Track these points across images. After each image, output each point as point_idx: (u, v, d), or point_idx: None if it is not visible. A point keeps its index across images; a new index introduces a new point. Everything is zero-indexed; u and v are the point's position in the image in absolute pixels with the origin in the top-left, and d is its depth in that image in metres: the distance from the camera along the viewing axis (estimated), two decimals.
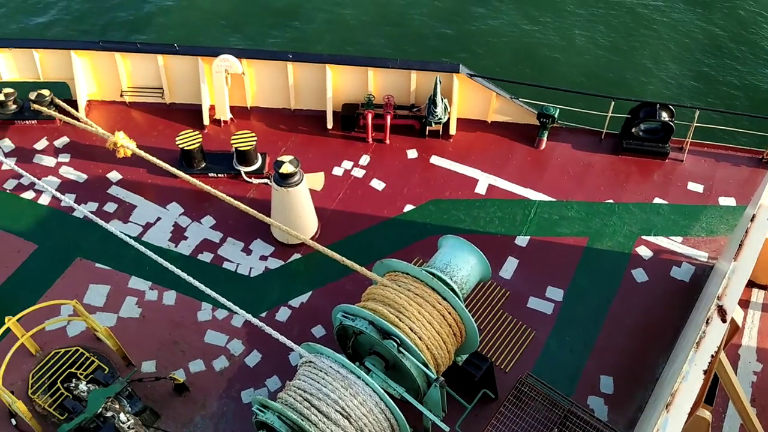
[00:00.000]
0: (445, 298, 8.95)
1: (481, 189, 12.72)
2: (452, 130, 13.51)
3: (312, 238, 11.42)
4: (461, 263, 9.54)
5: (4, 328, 9.26)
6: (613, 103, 12.99)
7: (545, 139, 13.32)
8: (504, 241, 11.94)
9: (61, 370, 9.87)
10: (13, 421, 9.62)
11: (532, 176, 12.96)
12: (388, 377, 8.63)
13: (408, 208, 12.38)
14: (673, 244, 12.04)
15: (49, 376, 9.84)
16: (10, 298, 10.95)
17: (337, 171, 12.94)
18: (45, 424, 9.41)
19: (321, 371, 8.18)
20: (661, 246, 12.00)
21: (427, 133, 13.40)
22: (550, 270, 11.56)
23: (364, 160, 13.12)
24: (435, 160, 13.17)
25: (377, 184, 12.74)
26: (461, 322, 9.05)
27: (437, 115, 12.93)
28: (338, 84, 13.39)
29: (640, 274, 11.58)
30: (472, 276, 9.62)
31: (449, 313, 8.92)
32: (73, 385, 9.33)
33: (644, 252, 11.88)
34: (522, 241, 11.97)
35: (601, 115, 13.20)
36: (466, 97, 13.42)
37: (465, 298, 9.69)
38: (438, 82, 12.63)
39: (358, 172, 12.93)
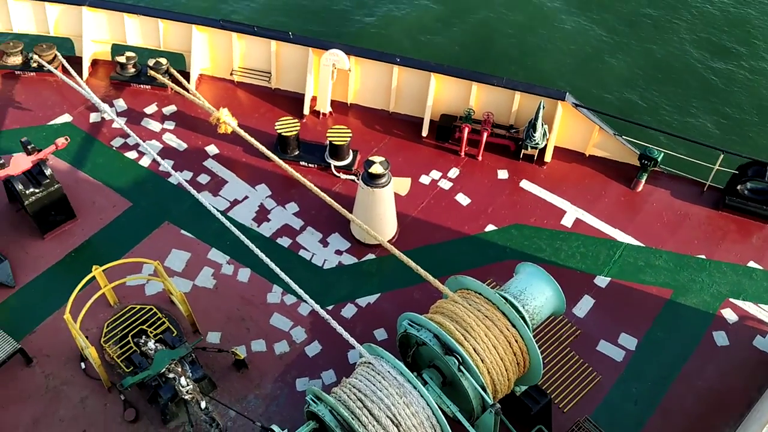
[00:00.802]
0: (514, 325, 8.77)
1: (567, 221, 12.40)
2: (547, 157, 13.25)
3: (389, 241, 11.46)
4: (536, 293, 9.33)
5: (89, 276, 9.74)
6: (721, 156, 12.39)
7: (643, 181, 12.84)
8: (583, 278, 11.59)
9: (133, 325, 10.31)
10: (83, 365, 10.12)
11: (623, 217, 12.52)
12: (443, 393, 8.53)
13: (490, 227, 12.22)
14: (761, 312, 11.35)
15: (122, 328, 10.31)
16: (99, 249, 11.55)
17: (425, 179, 12.93)
18: (111, 374, 9.85)
19: (378, 374, 8.18)
20: (748, 312, 11.34)
21: (521, 156, 13.20)
22: (627, 316, 11.13)
23: (453, 172, 13.05)
24: (525, 184, 12.94)
25: (462, 199, 12.64)
26: (527, 352, 8.84)
27: (535, 140, 12.71)
28: (440, 93, 13.39)
29: (721, 337, 10.98)
30: (545, 308, 9.39)
31: (516, 341, 8.73)
32: (143, 341, 9.70)
33: (729, 315, 11.26)
34: (602, 281, 11.58)
35: (707, 166, 12.62)
36: (568, 127, 13.13)
37: (534, 329, 9.46)
38: (541, 106, 12.42)
39: (445, 184, 12.87)
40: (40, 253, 11.42)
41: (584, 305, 11.24)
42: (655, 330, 10.99)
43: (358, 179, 12.46)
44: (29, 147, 11.03)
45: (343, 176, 12.82)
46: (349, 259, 11.67)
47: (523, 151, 13.10)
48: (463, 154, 13.29)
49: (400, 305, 10.95)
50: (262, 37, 13.62)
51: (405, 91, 13.68)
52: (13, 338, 9.95)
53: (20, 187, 10.92)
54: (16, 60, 14.11)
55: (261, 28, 13.72)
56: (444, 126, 13.37)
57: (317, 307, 8.87)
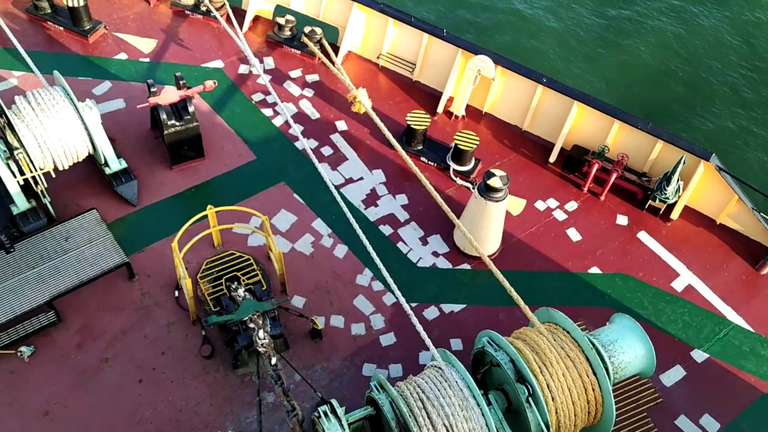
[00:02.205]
0: (595, 373, 8.42)
1: (678, 285, 11.73)
2: (674, 215, 12.58)
3: (489, 256, 11.31)
4: (627, 347, 8.90)
5: (203, 214, 10.28)
6: None
7: None
8: (679, 347, 10.94)
9: (229, 270, 10.79)
10: (176, 294, 10.72)
11: (739, 296, 11.69)
12: (504, 419, 8.35)
13: (594, 270, 11.78)
14: None
15: (218, 270, 10.81)
16: (217, 191, 12.17)
17: (540, 205, 12.64)
18: (198, 308, 10.38)
19: (446, 381, 8.12)
20: None
21: (646, 207, 12.61)
22: (716, 398, 10.40)
23: (571, 205, 12.68)
24: (643, 236, 12.36)
25: (573, 234, 12.26)
26: (601, 403, 8.47)
27: (666, 194, 12.09)
28: (578, 123, 13.02)
29: None
30: (632, 365, 8.95)
31: (593, 389, 8.39)
32: (234, 287, 10.12)
33: None
34: (699, 355, 10.89)
35: None
36: (705, 189, 12.39)
37: (615, 383, 9.04)
38: (682, 161, 11.79)
39: (560, 215, 12.53)
40: (165, 182, 12.18)
41: (674, 375, 10.61)
42: (743, 420, 10.22)
43: (473, 188, 12.38)
44: (181, 82, 11.76)
45: (460, 181, 12.77)
46: (443, 264, 11.63)
47: (650, 201, 12.50)
48: (586, 189, 12.88)
49: (483, 322, 10.80)
50: (416, 29, 13.77)
51: (543, 112, 13.41)
52: (123, 251, 10.69)
53: (164, 116, 11.67)
54: (189, 0, 15.06)
55: (417, 20, 13.87)
56: (574, 157, 12.99)
57: (403, 301, 8.91)
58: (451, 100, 13.97)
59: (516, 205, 12.50)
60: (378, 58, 14.59)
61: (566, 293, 11.43)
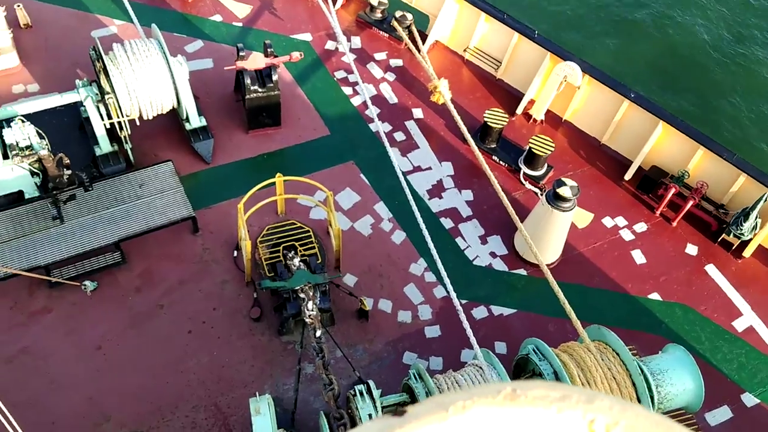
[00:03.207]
0: (639, 400, 8.21)
1: (740, 325, 11.27)
2: (747, 252, 12.05)
3: (548, 265, 11.13)
4: (676, 379, 8.63)
5: (271, 181, 10.52)
6: None
7: None
8: (730, 388, 10.53)
9: (288, 238, 11.01)
10: (235, 253, 11.02)
11: None
12: None
13: (654, 296, 11.44)
14: None
15: (278, 236, 11.05)
16: (287, 161, 12.40)
17: (608, 222, 12.34)
18: (254, 271, 10.64)
19: (485, 381, 8.08)
20: None
21: (719, 240, 12.12)
22: None
23: (640, 227, 12.32)
24: (711, 269, 11.90)
25: (638, 256, 11.93)
26: None
27: (742, 230, 11.59)
28: (661, 144, 12.61)
29: None
30: (679, 398, 8.68)
31: None
32: (291, 255, 10.32)
33: None
34: (749, 399, 10.45)
35: None
36: None
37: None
38: (764, 199, 11.27)
39: (627, 235, 12.20)
40: (239, 144, 12.50)
41: (720, 415, 10.23)
42: None
43: (542, 194, 12.20)
44: (269, 50, 11.99)
45: (529, 186, 12.59)
46: (500, 266, 11.52)
47: (723, 235, 12.01)
48: (658, 212, 12.48)
49: (531, 329, 10.67)
50: (507, 26, 13.59)
51: (625, 127, 13.04)
52: (191, 205, 11.05)
53: (248, 81, 11.94)
54: None
55: (510, 17, 13.68)
56: (651, 178, 12.59)
57: (454, 296, 8.90)
58: (532, 102, 13.75)
59: (583, 217, 12.24)
60: (464, 51, 14.48)
61: (621, 315, 11.15)
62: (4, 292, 10.21)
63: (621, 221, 12.38)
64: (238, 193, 11.17)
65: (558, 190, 10.54)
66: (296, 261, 10.08)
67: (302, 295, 9.44)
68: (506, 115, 12.83)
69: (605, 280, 11.58)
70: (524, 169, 12.60)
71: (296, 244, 10.93)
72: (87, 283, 10.31)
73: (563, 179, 10.68)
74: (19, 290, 10.28)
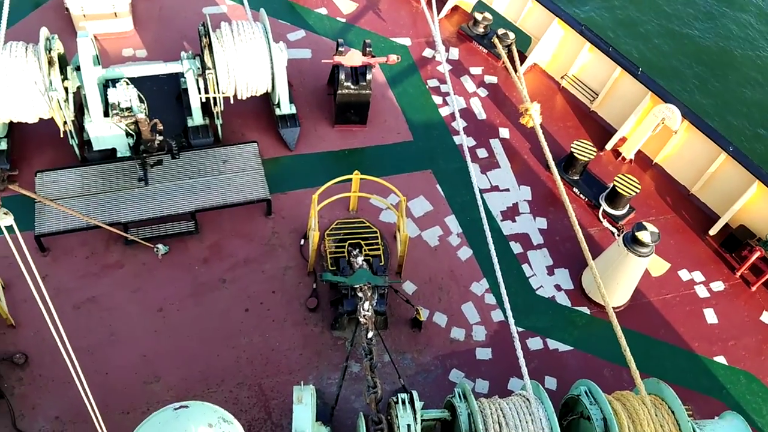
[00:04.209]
0: None
1: None
2: None
3: (614, 309, 10.79)
4: None
5: (348, 177, 10.63)
6: None
7: None
8: None
9: (356, 236, 11.09)
10: (302, 242, 11.18)
11: None
12: None
13: (720, 359, 10.89)
14: None
15: (346, 232, 11.14)
16: (367, 160, 12.49)
17: (684, 275, 11.84)
18: (317, 262, 10.77)
19: (530, 415, 7.89)
20: None
21: None
22: None
23: (717, 285, 11.75)
24: None
25: (710, 315, 11.39)
26: None
27: None
28: (753, 203, 12.00)
29: None
30: None
31: None
32: (355, 253, 10.38)
33: None
34: None
35: None
36: None
37: None
38: None
39: (702, 291, 11.67)
40: (323, 136, 12.68)
41: None
42: None
43: (619, 235, 11.85)
44: (367, 49, 12.12)
45: (606, 224, 12.23)
46: (563, 300, 11.24)
47: None
48: (739, 274, 11.88)
49: (586, 371, 10.36)
50: (611, 59, 13.25)
51: (718, 181, 12.48)
52: (268, 188, 11.28)
53: (342, 77, 12.10)
54: None
55: (615, 51, 13.34)
56: (736, 237, 12.00)
57: (512, 322, 8.72)
58: (623, 140, 13.36)
59: (658, 266, 11.79)
60: (562, 78, 14.22)
61: (683, 373, 10.67)
62: (84, 241, 10.71)
63: (698, 276, 11.85)
64: (314, 184, 11.30)
65: (637, 234, 10.18)
66: (360, 259, 10.13)
67: (360, 294, 9.48)
68: (594, 149, 12.51)
69: (671, 333, 11.11)
70: (605, 206, 12.25)
71: (362, 242, 10.99)
72: (160, 246, 10.68)
73: (644, 223, 10.31)
74: (97, 242, 10.76)
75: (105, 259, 10.64)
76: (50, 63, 10.49)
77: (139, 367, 9.67)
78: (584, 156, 12.36)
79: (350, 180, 10.82)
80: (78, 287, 10.25)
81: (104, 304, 10.18)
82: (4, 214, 6.60)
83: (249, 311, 10.38)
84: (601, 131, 13.64)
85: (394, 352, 10.09)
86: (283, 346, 10.09)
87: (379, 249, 10.98)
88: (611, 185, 12.16)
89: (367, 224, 11.36)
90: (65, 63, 11.07)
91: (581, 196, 12.56)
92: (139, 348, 9.83)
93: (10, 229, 6.81)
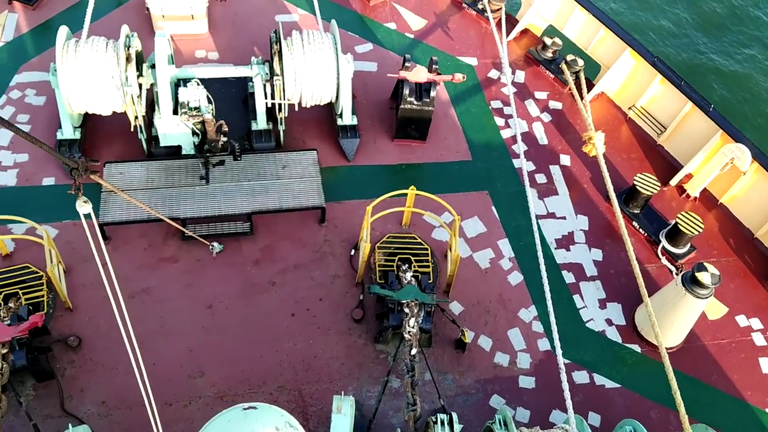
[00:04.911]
0: None
1: None
2: None
3: (667, 349, 10.42)
4: None
5: (404, 191, 10.69)
6: None
7: None
8: None
9: (406, 251, 11.07)
10: (352, 252, 11.23)
11: None
12: None
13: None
14: None
15: (397, 246, 11.14)
16: (423, 176, 12.48)
17: (741, 320, 11.38)
18: (365, 273, 10.80)
19: None
20: None
21: None
22: None
23: None
24: None
25: (765, 365, 10.91)
26: None
27: None
28: None
29: None
30: None
31: None
32: (404, 268, 10.37)
33: None
34: None
35: None
36: None
37: None
38: None
39: (759, 340, 11.19)
40: (382, 149, 12.75)
41: None
42: None
43: (677, 274, 11.50)
44: (433, 66, 12.16)
45: (665, 261, 11.87)
46: (614, 335, 10.94)
47: None
48: None
49: (632, 410, 10.05)
50: (682, 93, 12.92)
51: None
52: (324, 196, 11.39)
53: (406, 92, 12.16)
54: None
55: (687, 85, 13.01)
56: None
57: (559, 353, 8.53)
58: (689, 176, 12.97)
59: (715, 309, 11.37)
60: (629, 108, 13.93)
61: (732, 421, 10.24)
62: (143, 233, 11.02)
63: (756, 323, 11.38)
64: (369, 195, 11.36)
65: (697, 275, 9.85)
66: (408, 275, 10.11)
67: (407, 310, 9.45)
68: (658, 184, 12.19)
69: (724, 380, 10.68)
70: (665, 243, 11.90)
71: (412, 258, 10.97)
72: (215, 244, 10.90)
73: (705, 264, 9.97)
74: (155, 235, 11.06)
75: (161, 252, 10.92)
76: (128, 59, 10.89)
77: (185, 360, 9.86)
78: (647, 190, 12.06)
79: (405, 195, 10.84)
80: (134, 277, 10.54)
81: (157, 295, 10.44)
82: (84, 202, 6.84)
83: (295, 316, 10.47)
84: (666, 166, 13.29)
85: (435, 371, 10.00)
86: (326, 354, 10.13)
87: (428, 266, 10.94)
88: (673, 222, 11.82)
89: (419, 240, 11.33)
90: (141, 60, 11.47)
91: (641, 230, 12.24)
92: (186, 342, 10.03)
93: (86, 216, 7.04)
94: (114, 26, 11.79)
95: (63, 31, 11.06)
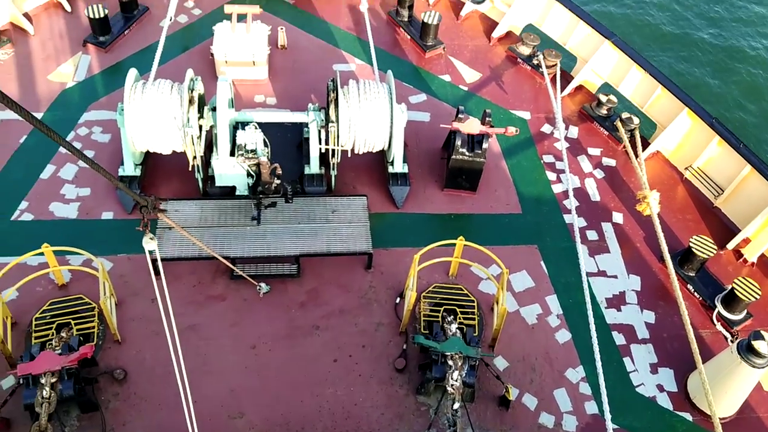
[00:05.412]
0: None
1: None
2: None
3: (720, 419, 9.95)
4: None
5: (453, 241, 10.65)
6: None
7: None
8: None
9: (452, 302, 10.97)
10: (397, 300, 11.18)
11: None
12: None
13: None
14: None
15: (443, 297, 11.05)
16: (473, 227, 12.44)
17: None
18: (410, 323, 10.70)
19: None
20: None
21: None
22: None
23: None
24: None
25: None
26: None
27: None
28: None
29: None
30: None
31: None
32: (450, 319, 10.25)
33: None
34: None
35: None
36: None
37: None
38: None
39: None
40: (431, 198, 12.79)
41: None
42: None
43: (732, 341, 11.04)
44: (487, 119, 12.24)
45: (720, 327, 11.44)
46: (665, 402, 10.51)
47: None
48: None
49: None
50: (741, 156, 12.65)
51: None
52: (371, 243, 11.43)
53: (458, 143, 12.23)
54: (525, 51, 15.63)
55: (746, 148, 12.73)
56: None
57: (608, 417, 8.25)
58: (746, 241, 12.58)
59: None
60: (686, 169, 13.68)
61: None
62: (194, 270, 11.22)
63: None
64: (416, 244, 11.35)
65: (754, 343, 9.44)
66: (454, 327, 9.98)
67: (450, 363, 9.30)
68: (714, 247, 11.85)
69: None
70: (720, 308, 11.48)
71: (458, 310, 10.84)
72: (262, 285, 11.00)
73: (762, 332, 9.56)
74: (204, 273, 11.25)
75: (210, 290, 11.07)
76: (191, 101, 11.30)
77: (226, 400, 9.86)
78: (703, 253, 11.72)
79: (453, 245, 10.79)
80: (182, 313, 10.68)
81: (203, 333, 10.54)
82: (150, 239, 7.02)
83: (337, 362, 10.41)
84: (723, 229, 12.93)
85: (478, 428, 9.75)
86: (366, 403, 10.00)
87: (474, 319, 10.79)
88: (729, 287, 11.42)
89: (465, 292, 11.22)
90: (203, 103, 11.89)
91: (695, 294, 11.86)
92: (228, 381, 10.05)
93: (151, 252, 7.21)
94: (180, 69, 12.28)
95: (132, 73, 11.58)
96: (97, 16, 14.58)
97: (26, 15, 15.24)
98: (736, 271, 12.30)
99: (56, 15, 15.61)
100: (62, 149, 12.76)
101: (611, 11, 24.89)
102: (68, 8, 15.65)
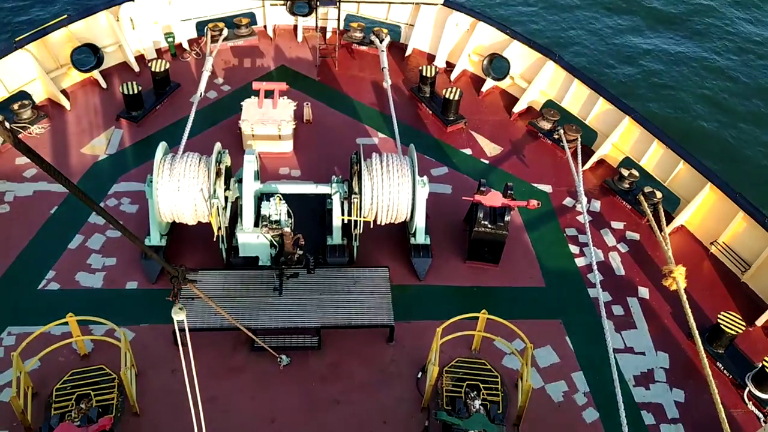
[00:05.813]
0: None
1: None
2: None
3: None
4: None
5: (475, 314, 10.54)
6: None
7: None
8: None
9: (475, 377, 10.74)
10: (419, 374, 10.99)
11: None
12: None
13: None
14: None
15: (466, 371, 10.83)
16: (495, 300, 12.30)
17: None
18: (432, 398, 10.47)
19: None
20: None
21: None
22: None
23: None
24: None
25: None
26: None
27: None
28: None
29: None
30: None
31: None
32: (473, 395, 10.03)
33: None
34: None
35: None
36: None
37: None
38: None
39: None
40: (454, 271, 12.74)
41: None
42: None
43: (765, 421, 10.64)
44: (508, 192, 12.32)
45: (751, 407, 11.02)
46: None
47: None
48: None
49: None
50: (766, 231, 12.52)
51: None
52: (393, 315, 11.34)
53: (480, 215, 12.29)
54: (546, 125, 15.88)
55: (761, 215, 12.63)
56: None
57: None
58: None
59: None
60: (711, 244, 13.55)
61: None
62: (214, 341, 11.18)
63: None
64: (438, 317, 11.24)
65: None
66: (477, 403, 9.76)
67: None
68: (743, 323, 11.58)
69: None
70: (751, 387, 11.11)
71: (481, 385, 10.61)
72: (283, 357, 10.91)
73: None
74: (225, 343, 11.20)
75: (230, 362, 10.99)
76: (218, 173, 11.57)
77: None
78: (732, 329, 11.45)
79: (476, 318, 10.67)
80: (202, 385, 10.54)
81: (222, 405, 10.40)
82: (179, 309, 7.03)
83: None
84: (751, 305, 12.66)
85: None
86: None
87: (498, 395, 10.53)
88: (760, 365, 11.08)
89: (489, 367, 11.00)
90: (230, 174, 12.16)
91: (725, 372, 11.51)
92: None
93: (179, 323, 7.20)
94: (209, 142, 12.63)
95: (162, 146, 11.93)
96: (130, 93, 15.17)
97: (63, 91, 15.91)
98: (765, 348, 11.95)
99: (92, 92, 16.28)
100: (91, 219, 13.04)
101: (631, 83, 25.21)
102: (104, 85, 16.32)
